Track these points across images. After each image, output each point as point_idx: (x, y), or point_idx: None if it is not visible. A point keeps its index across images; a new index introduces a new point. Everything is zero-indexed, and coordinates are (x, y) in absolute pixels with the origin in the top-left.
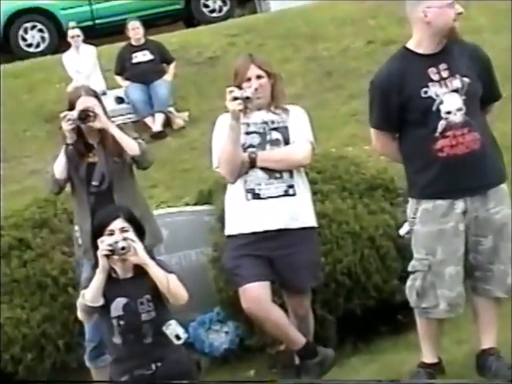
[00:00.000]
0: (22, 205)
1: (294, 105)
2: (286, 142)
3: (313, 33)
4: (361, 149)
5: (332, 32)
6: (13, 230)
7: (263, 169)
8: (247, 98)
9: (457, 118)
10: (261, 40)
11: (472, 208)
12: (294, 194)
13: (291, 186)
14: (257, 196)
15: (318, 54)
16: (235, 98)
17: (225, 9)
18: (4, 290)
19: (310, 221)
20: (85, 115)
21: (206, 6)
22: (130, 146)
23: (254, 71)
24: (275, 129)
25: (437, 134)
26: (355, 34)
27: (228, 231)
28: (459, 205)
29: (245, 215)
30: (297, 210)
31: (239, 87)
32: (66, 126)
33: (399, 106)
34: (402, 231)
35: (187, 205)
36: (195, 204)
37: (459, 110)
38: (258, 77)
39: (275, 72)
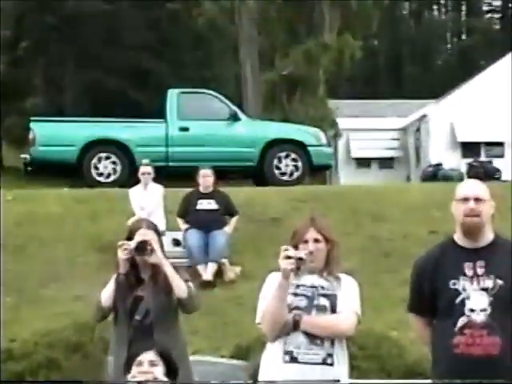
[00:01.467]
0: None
1: (347, 275)
2: (333, 310)
3: (377, 212)
4: (405, 335)
5: (396, 215)
6: (45, 350)
7: (305, 333)
8: (300, 258)
9: (479, 317)
10: (325, 210)
11: None
12: (331, 364)
13: (330, 355)
14: (294, 359)
15: (379, 234)
16: (288, 257)
17: (296, 174)
18: None
19: None
20: (142, 247)
21: (278, 167)
22: (180, 287)
23: (312, 234)
24: (324, 295)
25: (456, 329)
26: (418, 222)
27: None
28: None
29: (279, 377)
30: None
31: (295, 247)
32: (122, 255)
33: (430, 293)
34: None
35: (223, 357)
36: (231, 357)
37: (483, 310)
38: (316, 240)
39: (334, 239)
